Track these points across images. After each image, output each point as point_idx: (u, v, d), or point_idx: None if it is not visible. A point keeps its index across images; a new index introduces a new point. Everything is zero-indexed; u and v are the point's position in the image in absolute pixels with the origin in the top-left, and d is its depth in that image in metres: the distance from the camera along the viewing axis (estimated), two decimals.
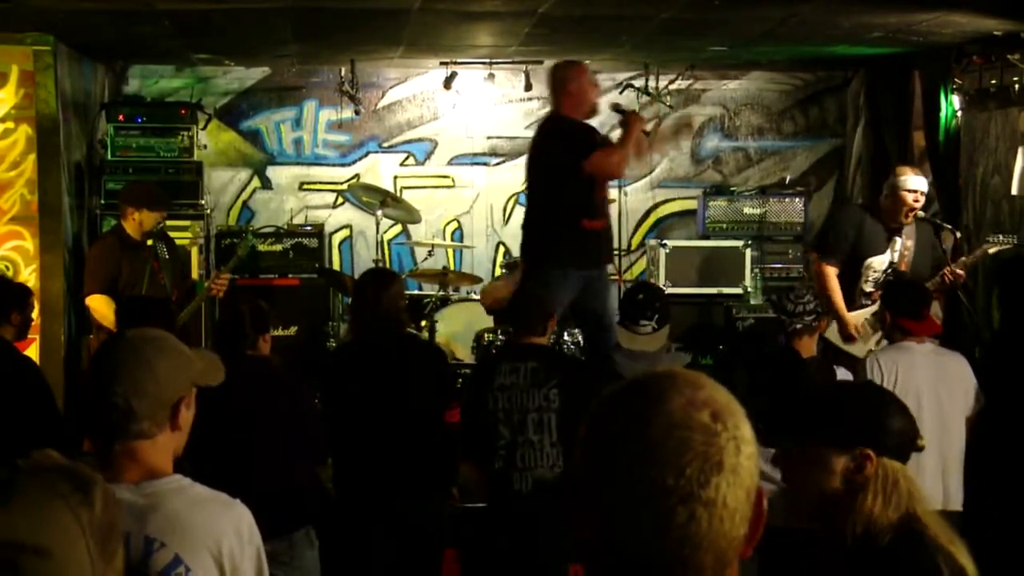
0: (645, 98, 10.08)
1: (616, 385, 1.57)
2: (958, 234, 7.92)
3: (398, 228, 10.57)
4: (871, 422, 2.78)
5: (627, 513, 1.47)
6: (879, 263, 7.18)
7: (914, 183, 7.16)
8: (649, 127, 7.37)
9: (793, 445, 2.77)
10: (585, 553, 1.53)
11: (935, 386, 5.64)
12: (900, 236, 7.21)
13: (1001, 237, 7.38)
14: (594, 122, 7.41)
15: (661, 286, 8.74)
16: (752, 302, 9.20)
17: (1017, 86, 7.73)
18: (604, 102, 7.74)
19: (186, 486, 2.74)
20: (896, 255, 7.19)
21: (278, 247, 9.71)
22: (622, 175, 7.14)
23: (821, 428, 2.77)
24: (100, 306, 7.17)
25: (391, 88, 10.61)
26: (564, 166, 6.95)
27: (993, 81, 8.03)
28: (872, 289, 7.14)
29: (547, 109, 10.52)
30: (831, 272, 7.16)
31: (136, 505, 2.63)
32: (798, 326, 5.67)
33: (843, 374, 5.67)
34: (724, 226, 9.89)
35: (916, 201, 7.14)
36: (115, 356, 2.75)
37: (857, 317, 7.13)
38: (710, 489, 1.46)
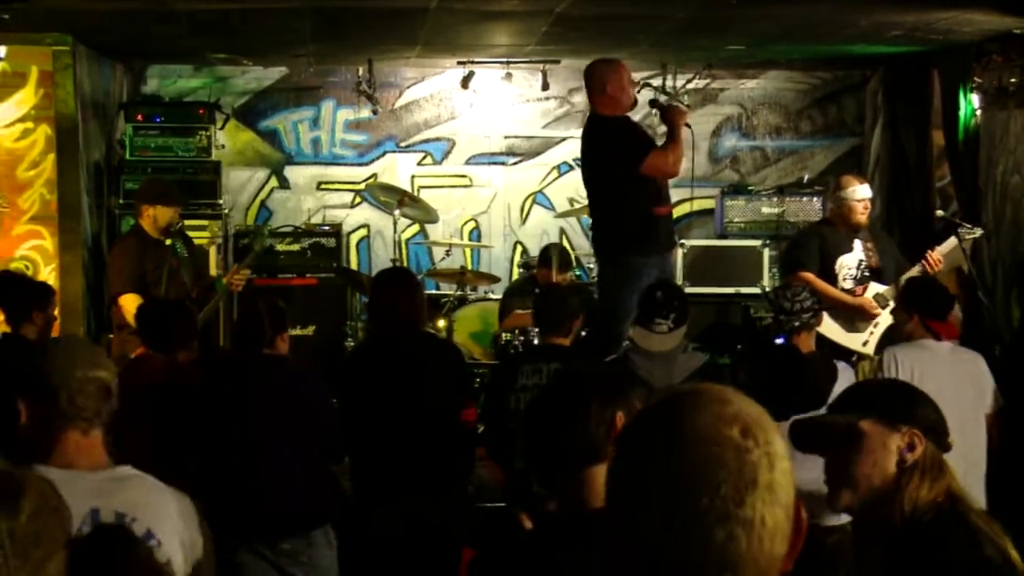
0: (663, 97, 10.06)
1: (643, 406, 1.54)
2: (972, 233, 7.82)
3: (416, 228, 10.59)
4: (920, 406, 2.82)
5: (663, 536, 1.44)
6: (850, 260, 7.30)
7: (862, 192, 7.30)
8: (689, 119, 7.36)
9: (855, 424, 2.77)
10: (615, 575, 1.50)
11: (953, 385, 5.60)
12: (859, 238, 7.35)
13: (968, 226, 7.60)
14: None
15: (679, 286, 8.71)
16: None
17: None
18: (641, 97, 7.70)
19: (140, 474, 2.84)
20: (863, 253, 7.33)
21: (296, 247, 9.73)
22: (678, 173, 7.11)
23: (883, 405, 2.79)
24: (133, 306, 7.08)
25: (408, 88, 10.62)
26: (620, 169, 6.95)
27: (1013, 79, 8.00)
28: (852, 286, 7.25)
29: (564, 108, 10.64)
30: (809, 275, 7.21)
31: (101, 486, 2.73)
32: (796, 324, 5.65)
33: (842, 368, 5.65)
34: (742, 225, 9.87)
35: (865, 209, 7.31)
36: (80, 351, 2.87)
37: (865, 299, 7.21)
38: (746, 508, 1.43)
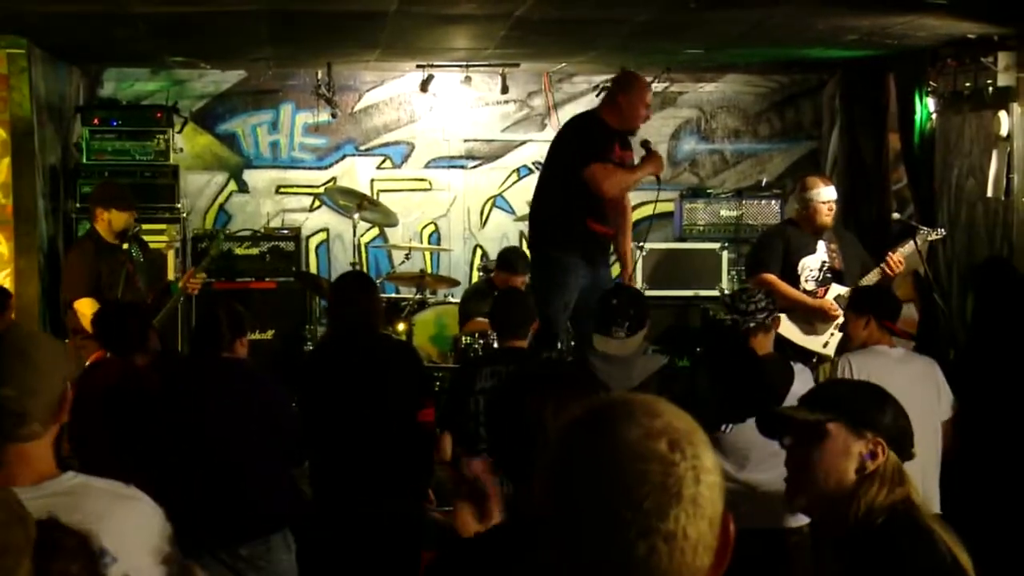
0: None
1: (572, 416, 1.54)
2: (934, 234, 7.84)
3: (375, 231, 10.57)
4: (888, 412, 2.82)
5: (588, 548, 1.45)
6: (813, 262, 7.38)
7: (827, 194, 7.38)
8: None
9: (822, 423, 2.76)
10: None
11: (908, 391, 5.60)
12: (823, 239, 7.41)
13: (926, 229, 7.61)
14: None
15: (638, 289, 8.72)
16: None
17: (991, 89, 7.76)
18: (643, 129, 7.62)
19: (84, 482, 2.61)
20: (826, 255, 7.40)
21: (255, 250, 9.69)
22: (609, 196, 7.10)
23: (853, 408, 2.78)
24: (89, 310, 7.03)
25: (368, 91, 10.60)
26: (570, 163, 6.98)
27: (967, 84, 8.06)
28: (814, 287, 7.32)
29: (523, 112, 10.69)
30: (771, 276, 7.27)
31: (44, 509, 2.39)
32: (751, 324, 5.67)
33: (800, 369, 5.67)
34: (701, 228, 9.92)
35: (830, 210, 7.37)
36: None
37: (826, 301, 7.27)
38: (669, 521, 1.43)
